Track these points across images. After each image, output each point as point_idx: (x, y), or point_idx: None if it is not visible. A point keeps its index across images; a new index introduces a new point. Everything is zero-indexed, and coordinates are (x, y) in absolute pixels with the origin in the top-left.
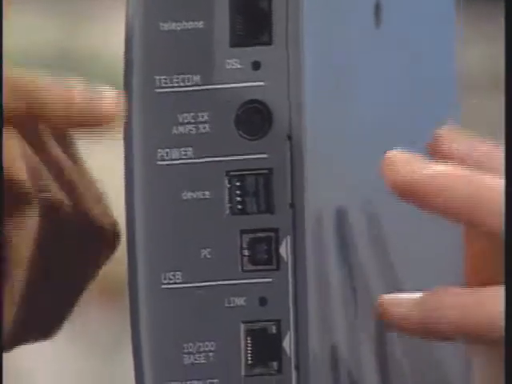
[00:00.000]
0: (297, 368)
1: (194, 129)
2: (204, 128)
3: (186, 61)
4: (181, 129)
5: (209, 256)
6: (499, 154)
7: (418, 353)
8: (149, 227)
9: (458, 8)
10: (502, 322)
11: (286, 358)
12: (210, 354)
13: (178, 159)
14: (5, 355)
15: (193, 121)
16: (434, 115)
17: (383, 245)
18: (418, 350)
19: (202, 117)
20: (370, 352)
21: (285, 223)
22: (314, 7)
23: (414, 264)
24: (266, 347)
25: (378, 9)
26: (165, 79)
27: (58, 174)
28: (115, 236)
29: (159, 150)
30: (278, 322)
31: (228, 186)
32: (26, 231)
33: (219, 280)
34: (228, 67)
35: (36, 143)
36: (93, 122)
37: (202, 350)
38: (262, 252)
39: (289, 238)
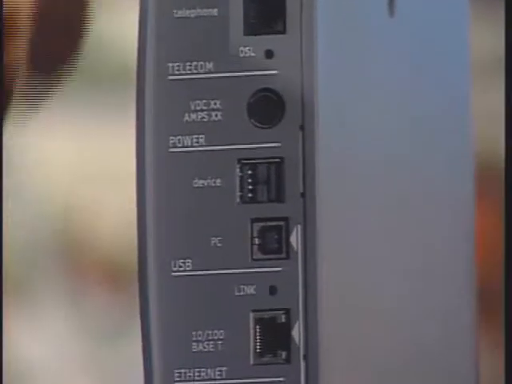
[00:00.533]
0: (305, 357)
1: (206, 116)
2: (216, 116)
3: (199, 48)
4: (193, 116)
5: (219, 244)
6: None
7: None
8: (159, 214)
9: None
10: None
11: (294, 348)
12: (219, 342)
13: (189, 146)
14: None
15: (205, 108)
16: (448, 104)
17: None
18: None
19: (215, 104)
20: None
21: (295, 212)
22: None
23: (426, 252)
24: (275, 336)
25: None
26: (178, 66)
27: None
28: None
29: (171, 138)
30: (287, 311)
31: (239, 174)
32: None
33: (229, 268)
34: (241, 55)
35: None
36: None
37: (210, 338)
38: (273, 241)
39: (299, 227)
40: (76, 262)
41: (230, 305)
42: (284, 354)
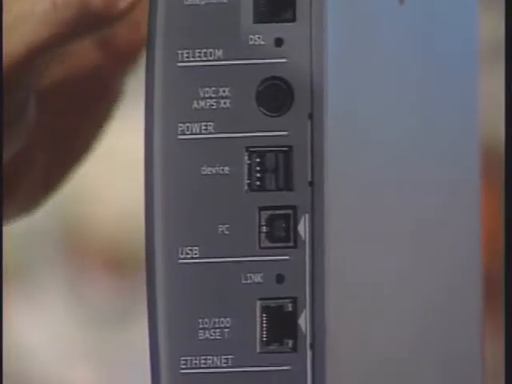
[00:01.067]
0: (312, 346)
1: (215, 104)
2: (225, 103)
3: (208, 35)
4: (202, 103)
5: (226, 232)
6: None
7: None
8: (167, 201)
9: None
10: None
11: (301, 336)
12: (226, 330)
13: (198, 134)
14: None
15: (214, 96)
16: (457, 90)
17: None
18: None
19: (224, 91)
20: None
21: (303, 201)
22: None
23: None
24: (281, 325)
25: None
26: (187, 53)
27: None
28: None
29: (180, 124)
30: (294, 300)
31: (248, 162)
32: None
33: (236, 256)
34: (251, 43)
35: None
36: None
37: (217, 325)
38: (280, 229)
39: (307, 216)
40: (77, 248)
41: (237, 293)
42: (290, 343)
